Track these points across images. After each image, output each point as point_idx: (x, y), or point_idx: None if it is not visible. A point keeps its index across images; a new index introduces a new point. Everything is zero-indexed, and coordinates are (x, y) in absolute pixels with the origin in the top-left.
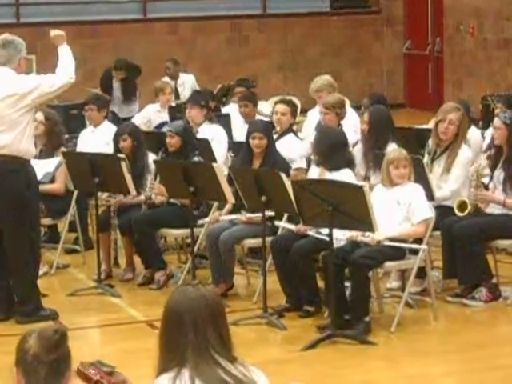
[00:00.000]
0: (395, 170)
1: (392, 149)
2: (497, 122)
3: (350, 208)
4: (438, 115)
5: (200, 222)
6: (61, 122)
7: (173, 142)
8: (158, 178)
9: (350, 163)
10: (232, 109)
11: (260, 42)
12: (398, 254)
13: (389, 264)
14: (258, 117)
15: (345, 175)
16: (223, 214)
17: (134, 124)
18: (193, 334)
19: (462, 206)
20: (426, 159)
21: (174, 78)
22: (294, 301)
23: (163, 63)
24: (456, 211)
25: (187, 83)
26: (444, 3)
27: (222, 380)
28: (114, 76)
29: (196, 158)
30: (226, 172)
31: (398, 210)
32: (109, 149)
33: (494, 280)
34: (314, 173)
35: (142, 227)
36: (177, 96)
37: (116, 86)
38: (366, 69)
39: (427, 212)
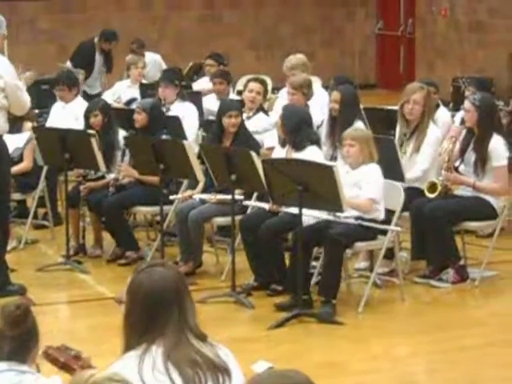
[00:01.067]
0: (343, 148)
1: (354, 126)
2: (467, 104)
3: (320, 188)
4: (402, 97)
5: (171, 197)
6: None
7: (139, 118)
8: (126, 158)
9: (315, 142)
10: (203, 83)
11: (233, 20)
12: (369, 234)
13: (358, 244)
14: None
15: (311, 153)
16: (196, 192)
17: (104, 100)
18: (161, 313)
19: (433, 187)
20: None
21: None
22: (262, 279)
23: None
24: (426, 193)
25: (152, 63)
26: None
27: (194, 361)
28: (96, 48)
29: (164, 136)
30: (196, 150)
31: (358, 193)
32: (78, 125)
33: (462, 262)
34: (280, 152)
35: (112, 211)
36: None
37: (98, 58)
38: (338, 49)
39: (372, 193)
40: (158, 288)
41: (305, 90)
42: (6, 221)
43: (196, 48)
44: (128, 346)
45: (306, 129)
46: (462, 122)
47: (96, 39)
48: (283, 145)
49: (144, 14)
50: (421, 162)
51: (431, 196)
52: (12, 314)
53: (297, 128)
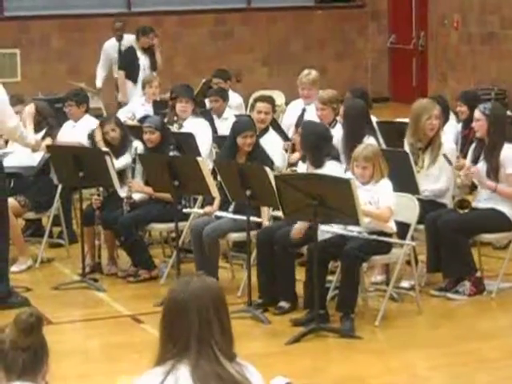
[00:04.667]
0: (356, 169)
1: (363, 144)
2: (477, 113)
3: (336, 202)
4: (421, 113)
5: (185, 210)
6: (52, 114)
7: (153, 137)
8: (137, 175)
9: (335, 157)
10: None
11: (244, 36)
12: (384, 248)
13: (375, 258)
14: None
15: (330, 169)
16: (214, 209)
17: (117, 116)
18: (197, 325)
19: (464, 203)
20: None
21: (120, 39)
22: (269, 296)
23: None
24: (456, 208)
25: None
26: None
27: (218, 376)
28: (137, 49)
29: (171, 153)
30: (210, 166)
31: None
32: (90, 143)
33: (478, 274)
34: (302, 167)
35: (127, 229)
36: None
37: (142, 58)
38: (350, 63)
39: (390, 202)
40: (185, 298)
41: (334, 105)
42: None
43: (208, 64)
44: (159, 357)
45: (325, 145)
46: (465, 131)
47: (134, 42)
48: (304, 160)
49: (156, 30)
50: (443, 175)
51: (461, 211)
52: (26, 321)
53: (315, 145)
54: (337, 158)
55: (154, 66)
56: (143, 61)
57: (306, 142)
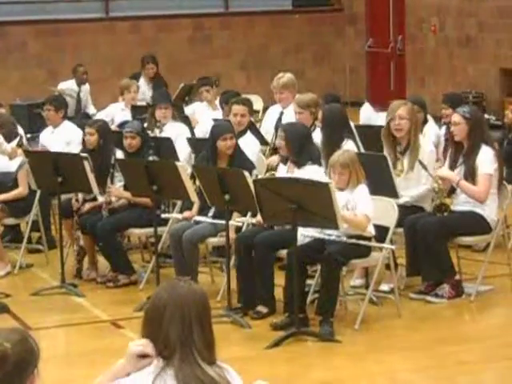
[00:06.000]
0: (333, 175)
1: (340, 150)
2: (456, 117)
3: (315, 205)
4: (387, 116)
5: (163, 215)
6: (11, 122)
7: (134, 142)
8: (116, 180)
9: (316, 159)
10: (196, 108)
11: (223, 41)
12: (363, 251)
13: (354, 262)
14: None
15: (311, 171)
16: (193, 213)
17: (104, 121)
18: (180, 330)
19: (442, 207)
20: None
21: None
22: (248, 301)
23: (126, 62)
24: (434, 211)
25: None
26: (405, 1)
27: (199, 379)
28: (142, 75)
29: (150, 157)
30: (189, 170)
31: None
32: (69, 149)
33: (457, 277)
34: (283, 169)
35: (106, 234)
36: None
37: (145, 83)
38: (328, 67)
39: (367, 210)
40: (170, 302)
41: (312, 108)
42: None
43: (187, 69)
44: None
45: (309, 146)
46: (447, 136)
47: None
48: (285, 162)
49: (134, 36)
50: (423, 179)
51: (439, 214)
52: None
53: (300, 146)
54: (318, 161)
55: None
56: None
57: (291, 143)
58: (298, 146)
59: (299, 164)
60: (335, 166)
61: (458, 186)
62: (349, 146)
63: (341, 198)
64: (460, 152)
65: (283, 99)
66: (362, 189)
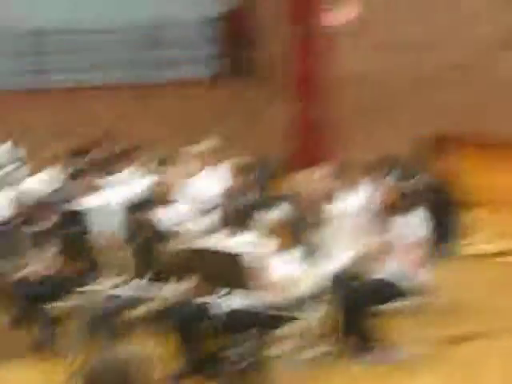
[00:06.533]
0: (265, 237)
1: (271, 213)
2: (381, 187)
3: (233, 275)
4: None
5: (87, 287)
6: None
7: (51, 213)
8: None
9: (251, 226)
10: (122, 177)
11: (156, 108)
12: (288, 320)
13: (280, 330)
14: None
15: (245, 238)
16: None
17: None
18: None
19: (363, 275)
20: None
21: None
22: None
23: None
24: (356, 279)
25: None
26: (331, 69)
27: None
28: None
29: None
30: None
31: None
32: None
33: (383, 342)
34: (220, 237)
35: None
36: None
37: None
38: (257, 133)
39: (293, 274)
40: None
41: (245, 173)
42: None
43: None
44: None
45: (245, 213)
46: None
47: None
48: (223, 228)
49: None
50: (343, 245)
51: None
52: None
53: (235, 213)
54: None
55: None
56: None
57: (224, 210)
58: (234, 212)
59: (235, 231)
60: (266, 228)
61: (389, 256)
62: (280, 211)
63: (275, 263)
64: (385, 219)
65: (210, 164)
66: (295, 253)
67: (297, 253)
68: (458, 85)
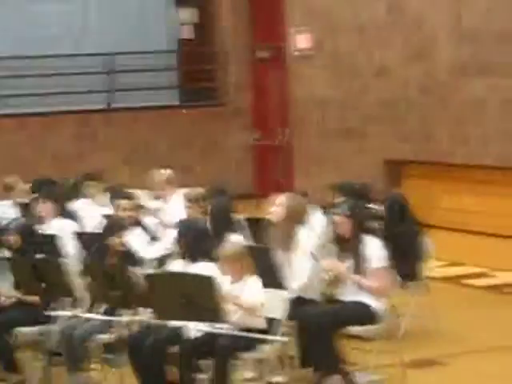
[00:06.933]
0: (221, 266)
1: (226, 242)
2: (338, 218)
3: (201, 299)
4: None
5: (54, 313)
6: None
7: (12, 240)
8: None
9: (210, 254)
10: (81, 204)
11: (108, 136)
12: (255, 344)
13: (246, 354)
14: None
15: (204, 267)
16: (82, 311)
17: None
18: None
19: (331, 297)
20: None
21: None
22: None
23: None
24: (324, 302)
25: None
26: (290, 95)
27: None
28: None
29: (38, 255)
30: (77, 267)
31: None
32: None
33: (348, 367)
34: (178, 265)
35: None
36: None
37: None
38: (216, 161)
39: (259, 299)
40: None
41: (200, 203)
42: None
43: (72, 165)
44: None
45: (202, 241)
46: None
47: None
48: (183, 257)
49: (19, 133)
50: (301, 271)
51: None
52: None
53: (193, 242)
54: (212, 256)
55: None
56: None
57: (183, 239)
58: (191, 241)
59: (194, 259)
60: (221, 257)
61: (359, 285)
62: (236, 238)
63: (235, 291)
64: (346, 246)
65: (164, 195)
66: (254, 281)
67: (256, 279)
68: (423, 109)
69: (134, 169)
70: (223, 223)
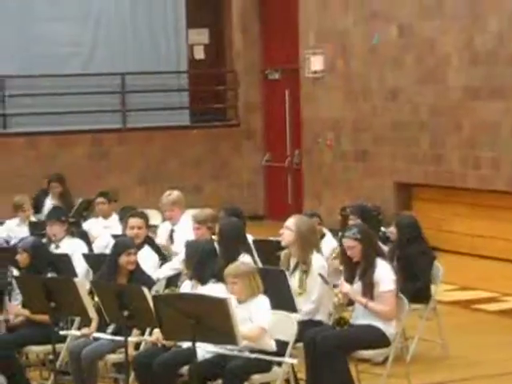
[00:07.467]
0: (228, 286)
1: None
2: (348, 241)
3: (213, 321)
4: None
5: (62, 332)
6: None
7: (21, 258)
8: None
9: (219, 276)
10: (93, 223)
11: (121, 156)
12: (265, 366)
13: (256, 377)
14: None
15: (213, 288)
16: (91, 330)
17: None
18: None
19: (341, 321)
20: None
21: None
22: None
23: (21, 178)
24: (334, 325)
25: None
26: (302, 116)
27: None
28: (51, 195)
29: (49, 274)
30: (87, 286)
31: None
32: None
33: None
34: (187, 286)
35: (4, 352)
36: None
37: (52, 200)
38: (226, 182)
39: (263, 322)
40: None
41: (209, 224)
42: None
43: (85, 184)
44: None
45: (210, 263)
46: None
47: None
48: (191, 278)
49: (30, 151)
50: (310, 294)
51: (339, 328)
52: None
53: (200, 263)
54: (221, 277)
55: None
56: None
57: (190, 261)
58: (198, 262)
59: (202, 281)
60: (228, 276)
61: (368, 309)
62: (245, 260)
63: (241, 311)
64: (355, 269)
65: (173, 216)
66: (261, 300)
67: (264, 298)
68: (435, 132)
69: (148, 188)
70: (234, 244)
